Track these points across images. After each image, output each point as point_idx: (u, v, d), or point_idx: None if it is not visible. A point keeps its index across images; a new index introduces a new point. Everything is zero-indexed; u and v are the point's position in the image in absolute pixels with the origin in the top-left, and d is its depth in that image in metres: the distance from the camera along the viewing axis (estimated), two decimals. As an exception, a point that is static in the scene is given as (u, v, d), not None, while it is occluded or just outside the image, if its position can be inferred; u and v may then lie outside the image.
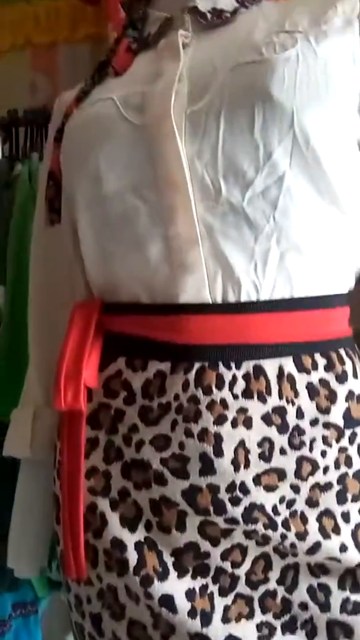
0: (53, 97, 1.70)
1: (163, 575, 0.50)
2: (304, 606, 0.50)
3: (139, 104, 0.52)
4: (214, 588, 0.50)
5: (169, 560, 0.51)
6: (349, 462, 0.51)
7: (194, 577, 0.51)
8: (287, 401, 0.50)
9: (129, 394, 0.53)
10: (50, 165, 0.62)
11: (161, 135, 0.50)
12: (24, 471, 0.68)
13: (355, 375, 0.53)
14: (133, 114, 0.52)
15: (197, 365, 0.50)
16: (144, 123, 0.51)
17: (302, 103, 0.48)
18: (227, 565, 0.50)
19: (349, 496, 0.51)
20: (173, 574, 0.50)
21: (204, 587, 0.50)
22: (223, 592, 0.50)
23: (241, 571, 0.50)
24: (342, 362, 0.52)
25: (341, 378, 0.52)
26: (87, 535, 0.53)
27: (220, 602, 0.50)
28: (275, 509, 0.49)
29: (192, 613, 0.49)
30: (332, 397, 0.51)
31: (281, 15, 0.56)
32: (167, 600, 0.49)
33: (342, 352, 0.53)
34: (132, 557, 0.51)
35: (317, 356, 0.51)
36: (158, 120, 0.50)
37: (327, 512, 0.50)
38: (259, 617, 0.50)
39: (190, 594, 0.50)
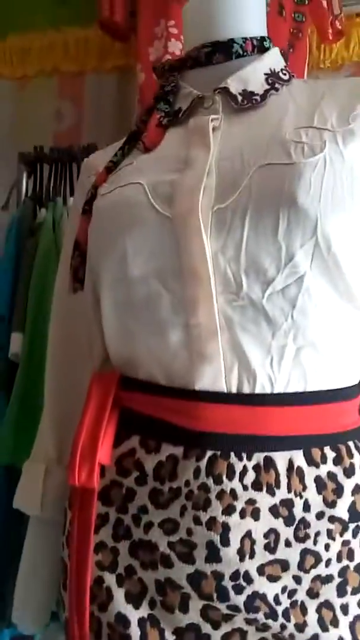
0: (78, 125, 1.72)
1: None
2: None
3: (168, 193, 0.54)
4: None
5: (171, 638, 0.52)
6: (351, 555, 0.52)
7: None
8: (295, 494, 0.51)
9: (141, 474, 0.54)
10: (77, 235, 0.63)
11: (188, 229, 0.52)
12: (33, 527, 0.70)
13: (362, 468, 0.54)
14: (162, 203, 0.54)
15: (209, 453, 0.51)
16: (172, 214, 0.53)
17: (326, 210, 0.49)
18: (226, 649, 0.52)
19: (349, 589, 0.52)
20: None
21: None
22: (221, 675, 0.52)
23: (240, 655, 0.52)
24: (351, 456, 0.53)
25: (348, 471, 0.53)
26: (93, 607, 0.54)
27: None
28: (276, 599, 0.50)
29: None
30: (338, 491, 0.52)
31: (310, 100, 0.57)
32: None
33: (351, 444, 0.54)
34: (135, 632, 0.52)
35: (327, 449, 0.53)
36: (186, 215, 0.52)
37: (327, 604, 0.51)
38: None
39: None
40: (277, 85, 0.61)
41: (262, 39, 0.64)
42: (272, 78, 0.61)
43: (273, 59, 0.63)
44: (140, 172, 0.58)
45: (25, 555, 0.69)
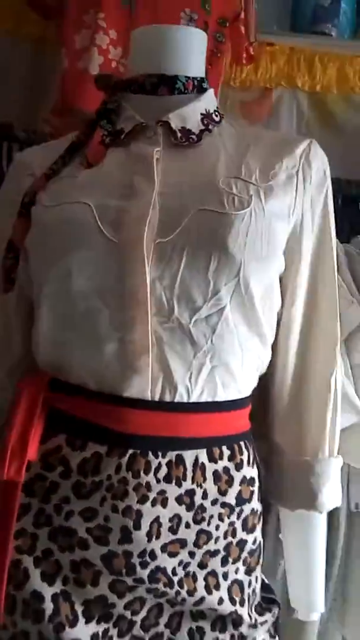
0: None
1: (73, 622, 0.59)
2: None
3: (115, 219, 0.59)
4: (113, 631, 0.61)
5: (79, 609, 0.60)
6: (234, 533, 0.65)
7: (98, 622, 0.60)
8: (197, 485, 0.62)
9: (65, 469, 0.60)
10: (12, 237, 0.65)
11: (132, 256, 0.58)
12: None
13: (249, 463, 0.66)
14: (109, 227, 0.59)
15: (130, 452, 0.59)
16: (119, 240, 0.59)
17: (249, 256, 0.59)
18: (127, 614, 0.61)
19: (230, 559, 0.65)
20: (82, 620, 0.60)
21: (105, 631, 0.61)
22: (121, 634, 0.61)
23: (138, 617, 0.62)
24: (241, 453, 0.66)
25: (238, 466, 0.65)
26: (9, 588, 0.60)
27: None
28: (174, 571, 0.61)
29: None
30: (230, 481, 0.64)
31: (238, 150, 0.67)
32: None
33: (242, 444, 0.66)
34: (49, 607, 0.59)
35: (224, 448, 0.64)
36: (131, 243, 0.58)
37: (212, 573, 0.63)
38: None
39: (94, 637, 0.60)
40: (210, 126, 0.69)
41: (202, 80, 0.71)
42: (207, 119, 0.69)
43: (208, 100, 0.71)
44: (85, 191, 0.63)
45: None
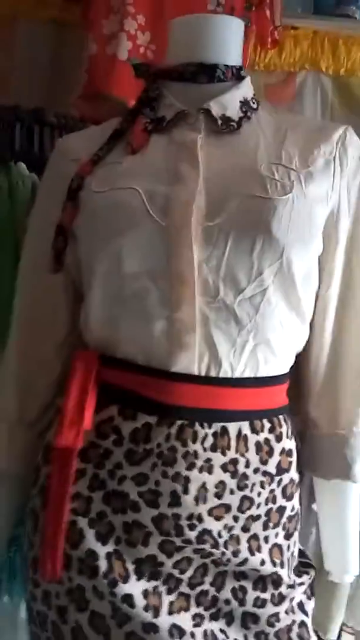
0: (5, 73, 1.62)
1: (126, 579, 0.64)
2: (227, 602, 0.68)
3: (162, 204, 0.63)
4: (163, 588, 0.66)
5: (131, 567, 0.65)
6: (274, 500, 0.69)
7: (148, 580, 0.65)
8: (240, 454, 0.66)
9: (118, 437, 0.65)
10: (62, 221, 0.69)
11: (180, 239, 0.62)
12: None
13: (287, 436, 0.70)
14: (157, 212, 0.62)
15: (178, 422, 0.63)
16: (167, 224, 0.62)
17: (291, 240, 0.63)
18: (175, 572, 0.66)
19: (270, 524, 0.69)
20: (133, 577, 0.64)
21: (155, 588, 0.65)
22: (169, 591, 0.66)
23: (185, 576, 0.66)
24: (280, 426, 0.69)
25: (278, 438, 0.69)
26: (65, 547, 0.64)
27: (166, 599, 0.65)
28: (219, 533, 0.65)
29: (146, 607, 0.64)
30: (270, 452, 0.68)
31: (276, 136, 0.69)
32: (128, 598, 0.63)
33: (281, 417, 0.70)
34: (103, 564, 0.64)
35: (265, 421, 0.68)
36: (179, 227, 0.62)
37: (255, 536, 0.67)
38: (194, 609, 0.66)
39: (145, 593, 0.64)
40: (248, 113, 0.71)
41: (240, 68, 0.74)
42: (245, 106, 0.72)
43: (246, 88, 0.74)
44: (132, 176, 0.66)
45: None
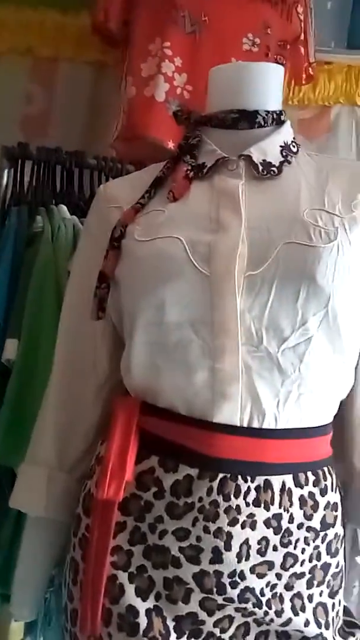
0: (48, 111, 1.67)
1: (166, 637, 0.62)
2: None
3: (206, 253, 0.62)
4: None
5: (171, 625, 0.63)
6: (319, 556, 0.66)
7: (188, 638, 0.63)
8: (284, 509, 0.63)
9: (159, 489, 0.63)
10: (104, 268, 0.69)
11: (223, 289, 0.61)
12: (32, 526, 0.76)
13: (332, 489, 0.68)
14: (200, 261, 0.62)
15: (220, 475, 0.62)
16: (210, 273, 0.61)
17: (337, 287, 0.61)
18: (216, 631, 0.63)
19: (315, 582, 0.66)
20: (173, 635, 0.62)
21: None
22: (210, 651, 0.63)
23: (226, 635, 0.64)
24: (325, 478, 0.67)
25: (323, 491, 0.66)
26: (105, 601, 0.63)
27: None
28: (262, 592, 0.63)
29: None
30: (315, 506, 0.65)
31: (318, 180, 0.68)
32: None
33: (325, 469, 0.68)
34: (143, 621, 0.62)
35: (309, 474, 0.65)
36: (222, 276, 0.61)
37: (298, 595, 0.65)
38: None
39: None
40: (289, 157, 0.71)
41: (280, 112, 0.74)
42: (286, 150, 0.72)
43: (286, 132, 0.74)
44: (175, 225, 0.66)
45: (25, 549, 0.76)
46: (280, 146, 0.71)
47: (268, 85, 0.73)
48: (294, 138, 0.75)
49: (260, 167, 0.69)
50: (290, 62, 1.33)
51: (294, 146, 0.73)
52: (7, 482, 0.92)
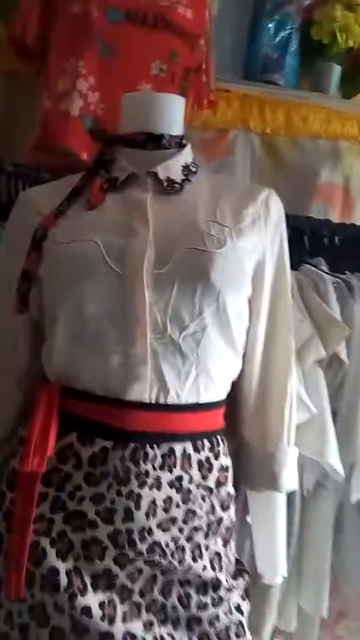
0: None
1: (84, 592, 0.71)
2: (174, 608, 0.75)
3: (119, 255, 0.73)
4: (116, 599, 0.72)
5: (89, 581, 0.71)
6: (213, 511, 0.78)
7: (104, 591, 0.72)
8: (185, 472, 0.75)
9: (78, 461, 0.72)
10: (27, 266, 0.77)
11: (134, 285, 0.72)
12: None
13: (224, 454, 0.81)
14: (114, 262, 0.72)
15: (132, 445, 0.72)
16: (123, 273, 0.72)
17: (225, 286, 0.74)
18: (128, 583, 0.73)
19: (210, 533, 0.78)
20: (90, 590, 0.71)
21: (110, 599, 0.72)
22: (122, 601, 0.73)
23: (136, 586, 0.74)
24: (218, 445, 0.80)
25: (217, 456, 0.79)
26: (28, 565, 0.70)
27: (120, 608, 0.72)
28: (167, 544, 0.74)
29: (102, 617, 0.70)
30: (210, 468, 0.78)
31: (212, 197, 0.82)
32: (86, 610, 0.70)
33: (219, 437, 0.80)
34: (63, 580, 0.70)
35: (205, 441, 0.78)
36: (133, 274, 0.72)
37: (197, 545, 0.76)
38: (145, 616, 0.74)
39: (101, 604, 0.71)
40: (189, 176, 0.84)
41: (182, 137, 0.87)
42: (186, 170, 0.85)
43: (187, 155, 0.87)
44: (92, 230, 0.76)
45: None
46: (182, 166, 0.84)
47: (172, 113, 0.86)
48: (193, 159, 0.88)
49: (165, 183, 0.81)
50: (193, 88, 1.47)
51: (193, 167, 0.86)
52: None
